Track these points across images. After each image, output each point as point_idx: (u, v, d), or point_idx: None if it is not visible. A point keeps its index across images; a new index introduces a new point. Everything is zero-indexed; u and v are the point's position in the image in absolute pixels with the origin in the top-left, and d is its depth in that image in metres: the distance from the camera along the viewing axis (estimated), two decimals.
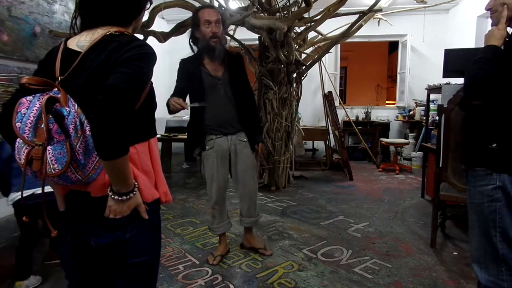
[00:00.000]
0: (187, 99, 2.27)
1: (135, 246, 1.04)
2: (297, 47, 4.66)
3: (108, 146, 0.85)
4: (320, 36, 5.42)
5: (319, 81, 6.45)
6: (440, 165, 2.57)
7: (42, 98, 0.90)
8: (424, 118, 4.75)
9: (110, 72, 0.91)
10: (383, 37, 6.95)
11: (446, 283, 2.20)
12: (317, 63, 5.18)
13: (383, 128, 6.61)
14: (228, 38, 4.38)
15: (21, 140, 0.90)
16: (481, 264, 1.45)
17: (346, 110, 6.67)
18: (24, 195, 2.01)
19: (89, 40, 0.99)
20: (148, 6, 1.13)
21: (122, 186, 0.94)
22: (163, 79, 5.94)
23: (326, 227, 3.16)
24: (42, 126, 0.88)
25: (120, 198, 0.95)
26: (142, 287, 1.11)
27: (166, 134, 5.13)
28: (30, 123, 0.88)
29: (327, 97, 5.73)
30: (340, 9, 4.08)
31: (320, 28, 4.81)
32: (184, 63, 2.33)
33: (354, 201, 3.98)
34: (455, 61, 3.60)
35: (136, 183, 0.99)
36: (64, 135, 0.88)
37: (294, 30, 4.44)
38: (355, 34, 4.90)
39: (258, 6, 4.11)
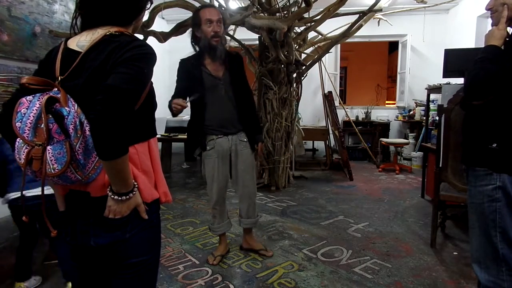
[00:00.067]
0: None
1: (134, 246, 1.04)
2: (297, 47, 4.66)
3: (107, 146, 0.85)
4: (320, 36, 5.42)
5: (319, 81, 6.45)
6: (440, 165, 2.57)
7: (42, 98, 0.90)
8: (424, 118, 4.75)
9: (110, 72, 0.91)
10: (383, 37, 6.94)
11: (446, 283, 2.20)
12: (317, 63, 5.18)
13: (383, 128, 6.61)
14: (228, 38, 4.38)
15: (21, 140, 0.90)
16: (481, 264, 1.45)
17: (346, 110, 6.67)
18: (14, 196, 2.01)
19: (89, 40, 0.99)
20: (148, 6, 1.13)
21: (122, 186, 0.94)
22: (163, 79, 5.94)
23: (326, 227, 3.16)
24: (42, 126, 0.88)
25: (119, 198, 0.95)
26: (142, 287, 1.11)
27: (166, 134, 5.13)
28: (30, 123, 0.88)
29: (327, 97, 5.73)
30: (340, 9, 4.08)
31: (320, 28, 4.81)
32: (184, 63, 2.33)
33: (354, 201, 3.97)
34: (455, 61, 3.60)
35: (135, 183, 0.99)
36: (64, 135, 0.88)
37: (294, 30, 4.44)
38: (355, 34, 4.90)
39: (258, 6, 4.11)
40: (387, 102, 9.77)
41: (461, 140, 1.53)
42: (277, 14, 4.08)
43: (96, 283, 1.13)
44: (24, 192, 1.96)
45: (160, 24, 5.39)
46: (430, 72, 5.96)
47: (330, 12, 4.06)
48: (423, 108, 5.39)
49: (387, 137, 6.47)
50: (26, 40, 3.46)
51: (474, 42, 5.12)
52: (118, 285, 1.09)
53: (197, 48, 2.31)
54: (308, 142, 6.60)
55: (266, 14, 4.11)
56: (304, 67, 4.59)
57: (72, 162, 0.89)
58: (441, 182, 2.61)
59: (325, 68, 6.41)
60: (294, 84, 4.56)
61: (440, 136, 2.61)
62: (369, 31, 5.96)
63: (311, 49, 5.51)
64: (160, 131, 5.11)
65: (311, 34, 5.13)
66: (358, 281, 2.22)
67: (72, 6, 3.98)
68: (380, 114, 7.01)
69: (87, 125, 0.91)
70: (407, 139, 6.07)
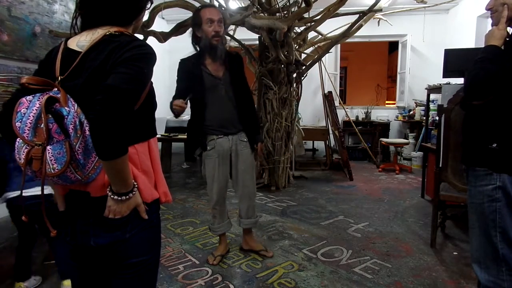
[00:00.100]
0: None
1: (134, 246, 1.04)
2: (297, 47, 4.66)
3: (107, 146, 0.85)
4: (320, 36, 5.42)
5: (319, 81, 6.45)
6: (440, 165, 2.57)
7: (42, 98, 0.90)
8: (424, 118, 4.75)
9: (110, 72, 0.91)
10: (383, 37, 6.94)
11: (446, 283, 2.20)
12: (317, 63, 5.18)
13: (383, 128, 6.61)
14: (228, 38, 4.38)
15: (21, 140, 0.90)
16: (481, 264, 1.45)
17: (346, 110, 6.67)
18: (13, 195, 2.00)
19: (89, 40, 0.99)
20: (148, 6, 1.13)
21: (122, 186, 0.94)
22: (163, 79, 5.94)
23: (326, 227, 3.16)
24: (42, 126, 0.88)
25: (119, 198, 0.95)
26: (142, 287, 1.11)
27: (166, 134, 5.13)
28: (30, 123, 0.88)
29: (327, 97, 5.73)
30: (340, 9, 4.08)
31: (320, 28, 4.81)
32: (184, 63, 2.32)
33: (354, 201, 3.97)
34: (455, 61, 3.60)
35: (135, 183, 0.99)
36: (63, 135, 0.88)
37: (294, 30, 4.44)
38: (355, 34, 4.90)
39: (258, 6, 4.11)
40: (387, 102, 9.77)
41: (461, 140, 1.53)
42: (277, 14, 4.08)
43: (96, 283, 1.13)
44: (18, 192, 1.96)
45: (160, 24, 5.40)
46: (430, 72, 5.96)
47: (330, 12, 4.06)
48: (423, 108, 5.39)
49: (387, 137, 6.47)
50: (26, 40, 3.46)
51: (474, 42, 5.12)
52: (118, 285, 1.09)
53: (198, 48, 2.31)
54: (308, 142, 6.59)
55: (266, 14, 4.11)
56: (304, 67, 4.59)
57: (71, 162, 0.89)
58: (441, 182, 2.61)
59: (325, 68, 6.41)
60: (294, 84, 4.56)
61: (440, 136, 2.61)
62: (369, 31, 5.96)
63: (311, 49, 5.51)
64: (160, 131, 5.11)
65: (311, 34, 5.13)
66: (358, 281, 2.22)
67: (72, 6, 3.98)
68: (380, 114, 7.01)
69: (87, 125, 0.91)
70: (407, 139, 6.07)
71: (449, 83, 3.86)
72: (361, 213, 3.55)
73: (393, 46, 9.08)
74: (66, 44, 1.03)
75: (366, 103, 7.48)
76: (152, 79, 1.03)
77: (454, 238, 2.91)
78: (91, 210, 1.00)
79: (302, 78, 4.66)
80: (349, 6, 4.76)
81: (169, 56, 6.50)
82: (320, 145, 6.57)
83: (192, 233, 3.04)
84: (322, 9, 4.16)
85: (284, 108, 4.38)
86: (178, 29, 3.72)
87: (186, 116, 2.37)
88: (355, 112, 6.98)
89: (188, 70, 2.29)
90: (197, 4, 3.30)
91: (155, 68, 1.00)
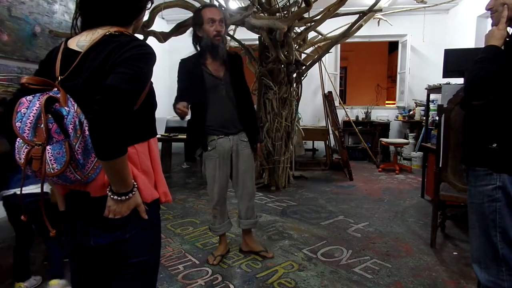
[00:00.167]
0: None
1: (134, 246, 1.04)
2: (297, 47, 4.66)
3: (106, 146, 0.85)
4: (320, 36, 5.42)
5: (319, 81, 6.45)
6: (440, 165, 2.57)
7: (42, 98, 0.90)
8: (424, 118, 4.75)
9: (110, 72, 0.91)
10: (383, 37, 6.94)
11: (446, 283, 2.20)
12: (317, 63, 5.18)
13: (383, 128, 6.61)
14: (228, 38, 4.38)
15: (21, 140, 0.90)
16: (481, 264, 1.45)
17: (346, 110, 6.67)
18: (8, 193, 2.00)
19: (89, 40, 0.99)
20: (148, 6, 1.13)
21: (121, 186, 0.94)
22: (163, 79, 5.94)
23: (326, 227, 3.16)
24: (42, 126, 0.88)
25: (119, 198, 0.95)
26: (142, 287, 1.11)
27: (166, 134, 5.13)
28: (30, 123, 0.88)
29: (327, 97, 5.73)
30: (340, 9, 4.08)
31: (320, 28, 4.81)
32: (184, 63, 2.32)
33: (354, 201, 3.97)
34: (455, 61, 3.59)
35: (135, 183, 0.99)
36: (63, 135, 0.88)
37: (294, 30, 4.44)
38: (355, 34, 4.90)
39: (258, 6, 4.11)
40: (387, 102, 9.77)
41: (461, 140, 1.53)
42: (277, 14, 4.08)
43: (96, 283, 1.13)
44: (16, 190, 1.96)
45: (160, 24, 5.39)
46: (430, 72, 5.96)
47: (330, 12, 4.06)
48: (423, 108, 5.39)
49: (387, 137, 6.47)
50: (26, 40, 3.46)
51: (474, 42, 5.12)
52: (118, 285, 1.09)
53: (198, 48, 2.31)
54: (308, 142, 6.60)
55: (266, 14, 4.11)
56: (304, 67, 4.59)
57: (71, 162, 0.89)
58: (441, 182, 2.61)
59: (325, 68, 6.41)
60: (294, 84, 4.56)
61: (440, 136, 2.61)
62: (369, 31, 5.97)
63: (311, 49, 5.51)
64: (160, 131, 5.11)
65: (311, 34, 5.13)
66: (358, 281, 2.22)
67: (72, 6, 3.98)
68: (380, 114, 7.01)
69: (87, 125, 0.91)
70: (407, 139, 6.07)
71: (449, 83, 3.86)
72: (361, 213, 3.55)
73: (393, 46, 9.08)
74: (66, 44, 1.03)
75: (366, 103, 7.49)
76: (152, 79, 1.03)
77: (454, 238, 2.91)
78: (91, 210, 1.00)
79: (302, 78, 4.66)
80: (349, 6, 4.76)
81: (169, 56, 6.50)
82: (320, 145, 6.57)
83: (192, 233, 3.04)
84: (322, 9, 4.15)
85: (284, 108, 4.38)
86: (178, 29, 3.72)
87: (187, 116, 2.37)
88: (355, 112, 6.98)
89: (188, 70, 2.28)
90: (197, 4, 3.30)
91: (155, 68, 1.00)
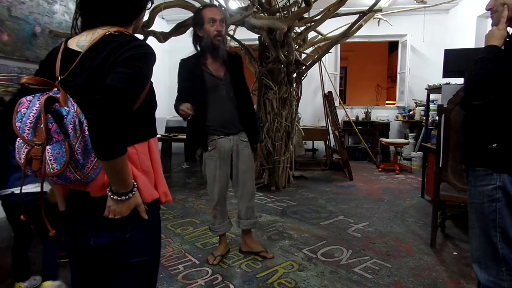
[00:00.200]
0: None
1: (134, 246, 1.04)
2: (297, 47, 4.66)
3: (105, 146, 0.85)
4: (320, 36, 5.42)
5: (319, 81, 6.45)
6: (440, 165, 2.57)
7: (41, 98, 0.90)
8: (424, 118, 4.75)
9: (109, 72, 0.91)
10: (383, 37, 6.94)
11: (446, 283, 2.20)
12: (317, 63, 5.19)
13: (383, 128, 6.61)
14: (228, 38, 4.38)
15: (21, 140, 0.90)
16: (481, 264, 1.45)
17: (346, 110, 6.67)
18: (5, 193, 2.00)
19: (89, 40, 0.99)
20: (148, 6, 1.13)
21: (121, 186, 0.94)
22: (163, 79, 5.95)
23: (326, 227, 3.16)
24: (42, 125, 0.88)
25: (119, 198, 0.95)
26: (142, 287, 1.11)
27: (166, 134, 5.13)
28: (30, 123, 0.88)
29: (327, 97, 5.73)
30: (340, 9, 4.08)
31: (320, 28, 4.81)
32: (185, 63, 2.32)
33: (354, 201, 3.97)
34: (455, 61, 3.60)
35: (135, 183, 0.99)
36: (63, 135, 0.88)
37: (294, 30, 4.44)
38: (355, 34, 4.90)
39: (258, 6, 4.11)
40: (387, 102, 9.77)
41: (461, 140, 1.53)
42: (277, 14, 4.08)
43: (96, 283, 1.13)
44: (14, 189, 1.96)
45: (160, 24, 5.39)
46: (430, 72, 5.96)
47: (330, 12, 4.06)
48: (423, 108, 5.39)
49: (387, 137, 6.48)
50: (26, 40, 3.46)
51: (474, 42, 5.12)
52: (118, 285, 1.09)
53: (199, 48, 2.31)
54: (308, 142, 6.60)
55: (266, 14, 4.11)
56: (304, 67, 4.59)
57: (71, 162, 0.89)
58: (441, 182, 2.61)
59: (325, 68, 6.41)
60: (294, 84, 4.56)
61: (440, 136, 2.61)
62: (369, 31, 5.96)
63: (311, 49, 5.51)
64: (160, 131, 5.11)
65: (311, 34, 5.13)
66: (358, 281, 2.22)
67: (72, 6, 3.98)
68: (380, 114, 7.01)
69: (87, 125, 0.91)
70: (407, 139, 6.07)
71: (449, 83, 3.86)
72: (361, 213, 3.55)
73: (393, 46, 9.08)
74: (66, 44, 1.03)
75: (366, 103, 7.48)
76: (152, 79, 1.03)
77: (454, 238, 2.91)
78: (91, 210, 1.00)
79: (302, 78, 4.66)
80: (349, 6, 4.76)
81: (169, 56, 6.50)
82: (320, 145, 6.57)
83: (192, 233, 3.04)
84: (322, 9, 4.15)
85: (284, 108, 4.38)
86: (178, 29, 3.72)
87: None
88: (355, 112, 6.98)
89: (189, 70, 2.28)
90: (197, 4, 3.30)
91: (155, 68, 1.00)
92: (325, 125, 6.34)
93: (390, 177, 5.19)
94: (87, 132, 0.91)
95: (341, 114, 6.49)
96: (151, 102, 1.07)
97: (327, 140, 5.90)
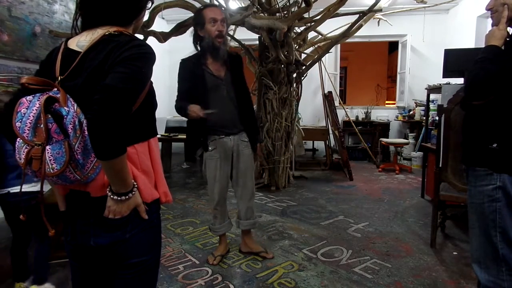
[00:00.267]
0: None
1: (134, 246, 1.04)
2: (297, 47, 4.66)
3: (104, 146, 0.85)
4: (320, 36, 5.42)
5: (319, 81, 6.46)
6: (440, 165, 2.57)
7: (41, 98, 0.90)
8: (424, 118, 4.75)
9: (109, 72, 0.91)
10: (383, 37, 6.94)
11: (446, 283, 2.20)
12: (317, 63, 5.18)
13: (383, 128, 6.61)
14: (228, 38, 4.38)
15: (21, 140, 0.90)
16: (481, 264, 1.45)
17: (346, 110, 6.67)
18: (2, 192, 2.00)
19: (88, 40, 0.99)
20: (148, 6, 1.13)
21: (121, 186, 0.94)
22: (163, 79, 5.95)
23: (326, 227, 3.16)
24: (41, 125, 0.88)
25: (119, 198, 0.95)
26: (142, 287, 1.11)
27: (166, 134, 5.13)
28: (30, 123, 0.88)
29: (327, 97, 5.73)
30: (340, 9, 4.08)
31: (320, 28, 4.81)
32: (185, 63, 2.31)
33: (354, 201, 3.97)
34: (455, 61, 3.60)
35: (135, 183, 0.99)
36: (63, 135, 0.88)
37: (294, 30, 4.44)
38: (355, 34, 4.90)
39: (258, 6, 4.11)
40: (387, 102, 9.77)
41: (461, 140, 1.53)
42: (277, 14, 4.08)
43: (97, 283, 1.13)
44: (10, 189, 1.96)
45: (160, 24, 5.39)
46: (430, 72, 5.96)
47: (330, 12, 4.06)
48: (423, 108, 5.39)
49: (387, 137, 6.48)
50: (26, 40, 3.46)
51: (474, 42, 5.12)
52: (118, 285, 1.09)
53: (199, 48, 2.31)
54: (308, 142, 6.60)
55: (266, 14, 4.11)
56: (304, 67, 4.59)
57: (71, 162, 0.89)
58: (441, 182, 2.61)
59: (325, 68, 6.41)
60: (294, 84, 4.56)
61: (440, 136, 2.61)
62: (369, 31, 5.97)
63: (311, 49, 5.51)
64: (160, 131, 5.11)
65: (311, 34, 5.13)
66: (358, 281, 2.22)
67: (72, 6, 3.98)
68: (380, 114, 7.01)
69: (86, 125, 0.91)
70: (407, 139, 6.07)
71: (449, 83, 3.86)
72: (361, 213, 3.55)
73: (393, 46, 9.08)
74: (66, 44, 1.03)
75: (366, 103, 7.49)
76: (152, 79, 1.03)
77: (454, 238, 2.91)
78: (91, 210, 1.00)
79: (302, 78, 4.66)
80: (349, 6, 4.76)
81: (169, 56, 6.50)
82: (320, 145, 6.57)
83: (192, 233, 3.04)
84: (322, 9, 4.16)
85: (284, 108, 4.38)
86: (178, 29, 3.73)
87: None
88: (355, 112, 6.98)
89: (190, 70, 2.28)
90: (197, 4, 3.30)
91: (155, 68, 0.99)
92: (325, 125, 6.34)
93: (390, 177, 5.19)
94: (87, 132, 0.91)
95: (341, 114, 6.49)
96: (151, 102, 1.07)
97: (327, 140, 5.91)
